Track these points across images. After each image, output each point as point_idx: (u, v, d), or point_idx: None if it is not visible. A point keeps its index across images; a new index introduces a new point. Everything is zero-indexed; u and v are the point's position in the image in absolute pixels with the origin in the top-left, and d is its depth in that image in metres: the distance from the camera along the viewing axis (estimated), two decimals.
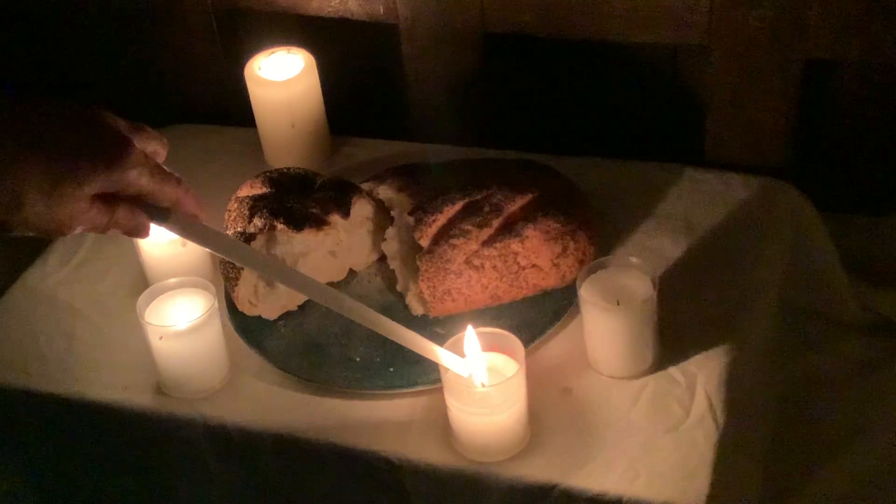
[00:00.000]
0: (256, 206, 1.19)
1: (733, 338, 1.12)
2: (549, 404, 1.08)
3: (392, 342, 1.15)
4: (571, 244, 1.18)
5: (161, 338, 1.10)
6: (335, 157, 1.43)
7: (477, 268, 1.15)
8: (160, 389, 1.15)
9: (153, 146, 0.91)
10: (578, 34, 1.35)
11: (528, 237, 1.16)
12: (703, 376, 1.08)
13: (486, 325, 1.06)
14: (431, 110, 1.47)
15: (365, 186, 1.25)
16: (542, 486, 1.01)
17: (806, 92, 1.31)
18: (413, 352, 1.13)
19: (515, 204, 1.18)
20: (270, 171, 1.25)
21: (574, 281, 1.12)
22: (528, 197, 1.19)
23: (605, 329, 1.08)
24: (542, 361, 1.12)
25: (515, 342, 1.03)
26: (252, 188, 1.23)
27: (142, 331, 1.12)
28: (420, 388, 1.10)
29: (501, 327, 1.05)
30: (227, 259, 1.14)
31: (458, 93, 1.44)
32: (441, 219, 1.17)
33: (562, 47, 1.42)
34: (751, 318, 1.15)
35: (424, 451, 1.05)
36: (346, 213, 1.20)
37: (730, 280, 1.18)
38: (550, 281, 1.18)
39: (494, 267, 1.16)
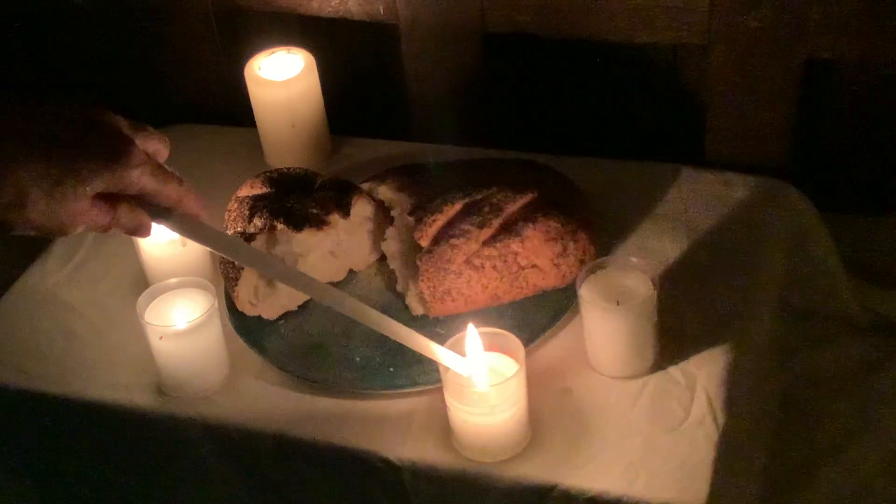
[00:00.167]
0: (256, 206, 1.19)
1: (733, 338, 1.12)
2: (549, 404, 1.08)
3: (392, 342, 1.15)
4: (571, 244, 1.18)
5: (161, 338, 1.10)
6: (335, 157, 1.43)
7: (477, 268, 1.15)
8: (160, 389, 1.15)
9: (155, 146, 0.92)
10: (578, 34, 1.35)
11: (528, 237, 1.16)
12: (703, 376, 1.08)
13: (486, 325, 1.06)
14: (431, 110, 1.47)
15: (365, 186, 1.25)
16: (542, 486, 1.01)
17: (806, 92, 1.31)
18: (413, 352, 1.13)
19: (515, 204, 1.18)
20: (270, 171, 1.25)
21: (574, 281, 1.12)
22: (528, 197, 1.19)
23: (605, 329, 1.08)
24: (542, 361, 1.12)
25: (515, 342, 1.03)
26: (252, 188, 1.23)
27: (142, 331, 1.12)
28: (420, 388, 1.10)
29: (501, 327, 1.05)
30: (228, 258, 1.14)
31: (458, 93, 1.44)
32: (441, 219, 1.17)
33: (562, 47, 1.41)
34: (751, 318, 1.15)
35: (424, 451, 1.05)
36: (346, 213, 1.20)
37: (730, 280, 1.18)
38: (550, 281, 1.18)
39: (494, 267, 1.16)
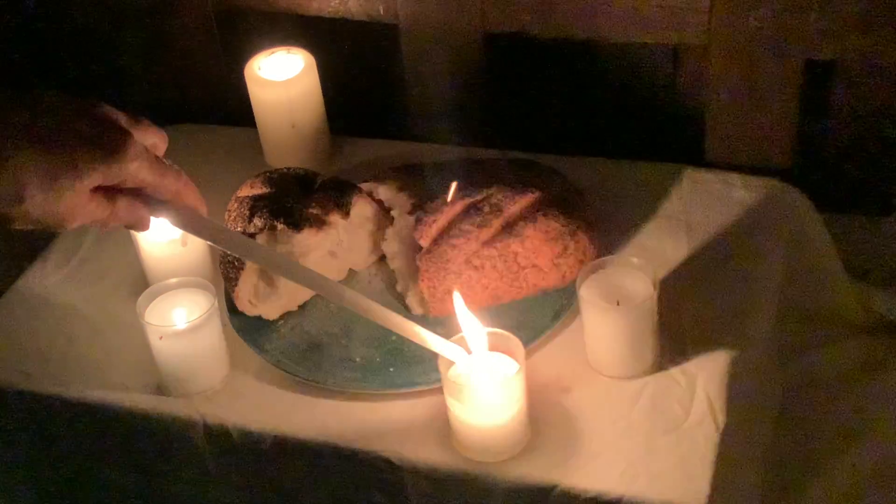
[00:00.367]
0: (256, 206, 1.19)
1: (733, 338, 1.12)
2: (549, 404, 1.08)
3: (392, 342, 1.15)
4: (571, 244, 1.18)
5: (161, 338, 1.10)
6: (335, 157, 1.43)
7: (477, 268, 1.15)
8: (160, 389, 1.15)
9: (152, 139, 0.92)
10: (578, 34, 1.35)
11: (528, 237, 1.16)
12: (703, 376, 1.08)
13: (486, 325, 1.06)
14: (431, 110, 1.47)
15: (365, 186, 1.25)
16: (542, 486, 1.01)
17: (806, 92, 1.30)
18: (413, 352, 1.13)
19: (515, 204, 1.18)
20: (270, 171, 1.25)
21: (574, 281, 1.12)
22: (528, 197, 1.19)
23: (605, 329, 1.08)
24: (542, 361, 1.12)
25: (515, 342, 1.03)
26: (252, 188, 1.23)
27: (142, 331, 1.12)
28: (420, 388, 1.10)
29: (501, 327, 1.05)
30: (227, 251, 1.14)
31: (458, 93, 1.44)
32: (441, 219, 1.17)
33: (562, 47, 1.41)
34: (751, 318, 1.15)
35: (424, 451, 1.05)
36: (346, 213, 1.20)
37: (730, 280, 1.18)
38: (550, 281, 1.18)
39: (494, 267, 1.16)
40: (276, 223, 1.17)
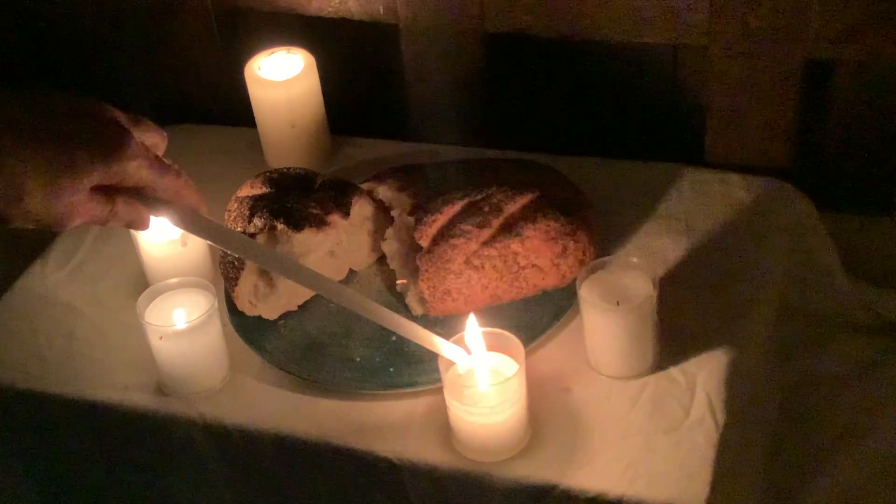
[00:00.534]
0: (256, 206, 1.19)
1: (733, 338, 1.12)
2: (549, 404, 1.08)
3: (392, 342, 1.15)
4: (571, 244, 1.18)
5: (161, 338, 1.10)
6: (335, 157, 1.43)
7: (477, 268, 1.15)
8: (160, 389, 1.15)
9: (152, 138, 0.92)
10: (578, 34, 1.35)
11: (528, 237, 1.16)
12: (703, 376, 1.08)
13: (486, 325, 1.06)
14: (431, 110, 1.47)
15: (365, 186, 1.25)
16: (542, 486, 1.01)
17: (806, 92, 1.30)
18: (413, 352, 1.13)
19: (515, 204, 1.18)
20: (270, 171, 1.25)
21: (574, 281, 1.12)
22: (528, 197, 1.19)
23: (605, 329, 1.08)
24: (542, 361, 1.12)
25: (515, 342, 1.03)
26: (252, 188, 1.23)
27: (142, 331, 1.12)
28: (420, 388, 1.10)
29: (501, 327, 1.05)
30: (227, 251, 1.14)
31: (458, 93, 1.44)
32: (441, 219, 1.17)
33: (562, 47, 1.41)
34: (751, 319, 1.15)
35: (424, 451, 1.05)
36: (346, 213, 1.20)
37: (730, 280, 1.18)
38: (550, 281, 1.18)
39: (494, 267, 1.16)
40: (276, 223, 1.17)
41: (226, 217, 1.22)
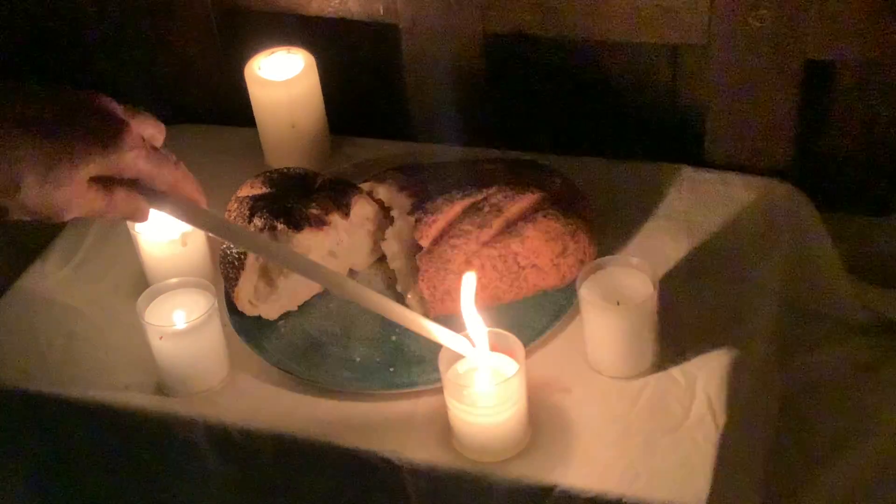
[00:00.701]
0: (256, 206, 1.19)
1: (733, 338, 1.12)
2: (549, 404, 1.08)
3: (392, 342, 1.15)
4: (571, 244, 1.18)
5: (161, 338, 1.10)
6: (335, 157, 1.43)
7: (477, 268, 1.15)
8: (160, 389, 1.15)
9: (150, 130, 0.92)
10: (579, 34, 1.35)
11: (528, 237, 1.16)
12: (703, 376, 1.08)
13: (486, 325, 1.06)
14: (431, 110, 1.47)
15: (365, 186, 1.25)
16: (542, 486, 1.01)
17: (806, 92, 1.30)
18: (413, 352, 1.14)
19: (515, 204, 1.18)
20: (270, 171, 1.25)
21: (574, 281, 1.12)
22: (529, 197, 1.19)
23: (605, 329, 1.08)
24: (542, 361, 1.12)
25: (515, 342, 1.03)
26: (252, 188, 1.23)
27: (142, 331, 1.12)
28: (420, 388, 1.10)
29: (501, 327, 1.05)
30: (226, 241, 1.14)
31: (458, 93, 1.44)
32: (441, 219, 1.17)
33: (562, 47, 1.41)
34: (751, 319, 1.15)
35: (424, 451, 1.05)
36: (346, 213, 1.20)
37: (730, 280, 1.18)
38: (550, 281, 1.18)
39: (494, 267, 1.16)
40: (276, 223, 1.17)
41: (226, 217, 1.21)
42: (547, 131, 1.51)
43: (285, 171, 1.26)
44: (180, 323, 1.11)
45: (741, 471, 1.11)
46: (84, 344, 1.21)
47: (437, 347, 1.04)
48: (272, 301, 1.19)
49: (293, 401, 1.12)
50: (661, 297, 1.07)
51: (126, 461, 1.20)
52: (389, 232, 1.22)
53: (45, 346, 1.22)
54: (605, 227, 1.24)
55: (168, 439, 1.14)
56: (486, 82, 1.44)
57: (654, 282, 1.07)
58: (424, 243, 1.16)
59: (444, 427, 1.06)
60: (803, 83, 1.29)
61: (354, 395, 1.11)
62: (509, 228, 1.16)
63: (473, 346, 1.03)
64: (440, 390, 1.04)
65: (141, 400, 1.14)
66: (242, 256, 1.16)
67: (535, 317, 1.16)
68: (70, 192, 0.84)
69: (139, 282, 1.24)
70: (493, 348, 1.04)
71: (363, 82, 1.56)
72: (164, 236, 1.21)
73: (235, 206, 1.21)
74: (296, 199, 1.20)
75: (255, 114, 1.40)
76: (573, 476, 1.01)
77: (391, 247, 1.22)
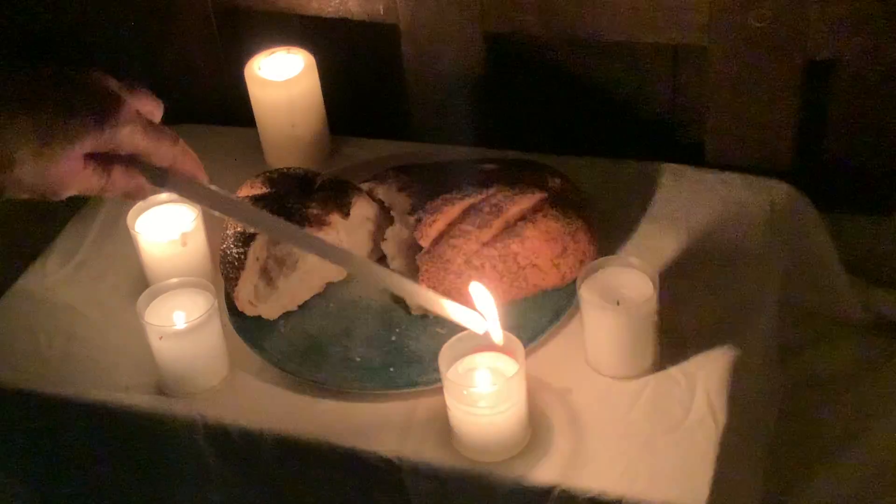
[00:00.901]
0: (256, 206, 1.19)
1: (733, 338, 1.12)
2: (549, 404, 1.08)
3: (392, 342, 1.15)
4: (571, 244, 1.18)
5: (161, 338, 1.10)
6: (335, 157, 1.43)
7: (477, 268, 1.15)
8: (160, 389, 1.15)
9: (148, 106, 0.90)
10: (578, 34, 1.35)
11: (528, 237, 1.16)
12: (703, 376, 1.08)
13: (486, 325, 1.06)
14: (431, 110, 1.47)
15: (365, 186, 1.25)
16: (542, 486, 1.01)
17: (806, 92, 1.30)
18: (413, 352, 1.14)
19: (515, 204, 1.18)
20: (270, 171, 1.25)
21: (574, 281, 1.12)
22: (528, 197, 1.19)
23: (605, 329, 1.08)
24: (542, 361, 1.12)
25: (515, 342, 1.03)
26: (252, 188, 1.23)
27: (142, 331, 1.12)
28: (420, 388, 1.10)
29: (501, 327, 1.05)
30: (228, 218, 1.13)
31: (458, 93, 1.44)
32: (441, 219, 1.17)
33: (562, 47, 1.41)
34: (751, 318, 1.15)
35: (424, 451, 1.05)
36: (346, 213, 1.20)
37: (730, 280, 1.18)
38: (550, 281, 1.18)
39: (494, 267, 1.16)
40: None
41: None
42: (547, 131, 1.51)
43: (285, 171, 1.26)
44: (180, 323, 1.11)
45: (741, 471, 1.11)
46: (84, 344, 1.21)
47: (437, 347, 1.04)
48: (272, 301, 1.19)
49: (293, 401, 1.12)
50: (661, 297, 1.07)
51: (126, 461, 1.20)
52: (389, 232, 1.22)
53: (45, 346, 1.22)
54: (605, 227, 1.24)
55: (168, 439, 1.14)
56: (486, 82, 1.44)
57: (654, 282, 1.07)
58: (424, 243, 1.16)
59: (444, 427, 1.06)
60: (803, 83, 1.29)
61: (354, 395, 1.11)
62: (509, 228, 1.16)
63: (486, 320, 1.01)
64: (440, 390, 1.04)
65: (141, 400, 1.14)
66: (242, 256, 1.16)
67: (535, 317, 1.16)
68: (65, 167, 0.84)
69: (139, 282, 1.24)
70: (494, 348, 1.04)
71: (363, 82, 1.56)
72: (164, 236, 1.21)
73: None
74: (296, 199, 1.20)
75: (255, 114, 1.40)
76: (573, 476, 1.01)
77: (391, 247, 1.22)
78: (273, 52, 1.39)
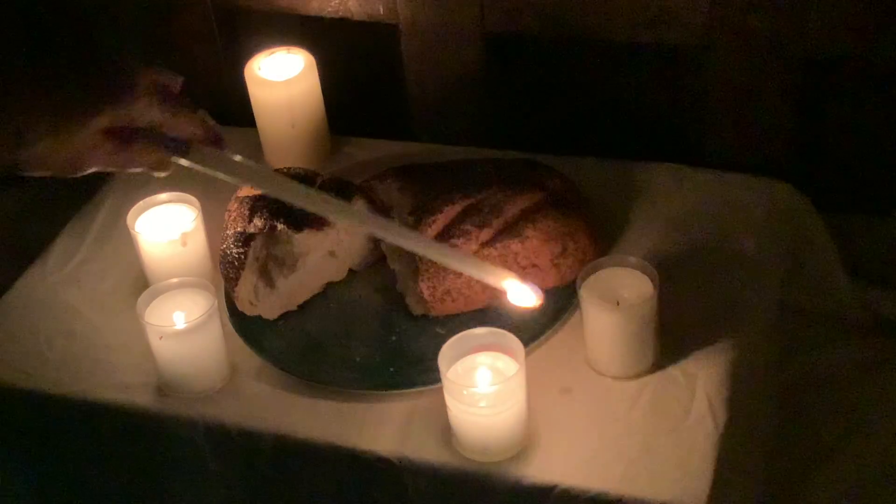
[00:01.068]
0: (256, 206, 1.19)
1: (733, 338, 1.12)
2: (548, 404, 1.08)
3: (392, 342, 1.15)
4: (571, 244, 1.18)
5: (161, 338, 1.10)
6: (335, 157, 1.43)
7: None
8: (160, 389, 1.15)
9: (165, 79, 0.91)
10: (578, 34, 1.35)
11: (528, 237, 1.16)
12: (703, 376, 1.08)
13: (486, 325, 1.06)
14: (431, 110, 1.47)
15: (365, 186, 1.25)
16: (543, 486, 1.01)
17: (806, 92, 1.30)
18: (413, 352, 1.14)
19: (515, 204, 1.18)
20: None
21: (574, 281, 1.12)
22: (528, 197, 1.19)
23: (605, 329, 1.08)
24: (542, 361, 1.12)
25: (515, 342, 1.03)
26: (252, 188, 1.23)
27: (142, 331, 1.12)
28: (420, 388, 1.10)
29: (501, 327, 1.05)
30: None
31: (458, 93, 1.44)
32: (441, 219, 1.17)
33: (562, 47, 1.41)
34: (751, 319, 1.15)
35: (424, 451, 1.05)
36: None
37: (730, 280, 1.18)
38: (550, 281, 1.18)
39: None
40: (276, 223, 1.17)
41: (226, 217, 1.22)
42: (547, 131, 1.51)
43: (285, 171, 1.25)
44: (180, 323, 1.11)
45: (741, 471, 1.11)
46: (84, 344, 1.21)
47: (437, 347, 1.04)
48: (272, 301, 1.19)
49: (293, 401, 1.12)
50: (661, 297, 1.07)
51: (126, 461, 1.20)
52: None
53: (45, 346, 1.22)
54: (605, 227, 1.24)
55: (168, 439, 1.14)
56: (486, 82, 1.44)
57: (654, 282, 1.07)
58: None
59: (444, 427, 1.06)
60: (803, 83, 1.29)
61: (354, 395, 1.11)
62: (509, 228, 1.16)
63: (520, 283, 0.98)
64: (440, 390, 1.04)
65: (141, 400, 1.14)
66: (242, 256, 1.16)
67: (535, 317, 1.16)
68: (84, 144, 0.84)
69: (139, 282, 1.24)
70: (493, 348, 1.04)
71: (363, 82, 1.56)
72: (164, 236, 1.21)
73: (235, 206, 1.21)
74: None
75: (255, 114, 1.40)
76: (573, 476, 1.01)
77: (391, 247, 1.22)
78: (273, 52, 1.39)
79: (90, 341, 1.22)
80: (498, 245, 1.16)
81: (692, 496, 0.98)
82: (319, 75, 1.38)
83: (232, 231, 1.19)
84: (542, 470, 1.02)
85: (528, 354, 1.05)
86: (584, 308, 1.08)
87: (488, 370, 1.03)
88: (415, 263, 1.16)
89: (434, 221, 1.17)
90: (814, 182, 1.32)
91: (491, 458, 1.03)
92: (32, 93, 0.83)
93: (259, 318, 1.19)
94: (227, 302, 1.20)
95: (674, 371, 1.09)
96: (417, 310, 1.18)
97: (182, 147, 0.90)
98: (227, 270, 1.18)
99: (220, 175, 0.94)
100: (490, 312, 1.17)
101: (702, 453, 1.01)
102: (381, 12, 1.42)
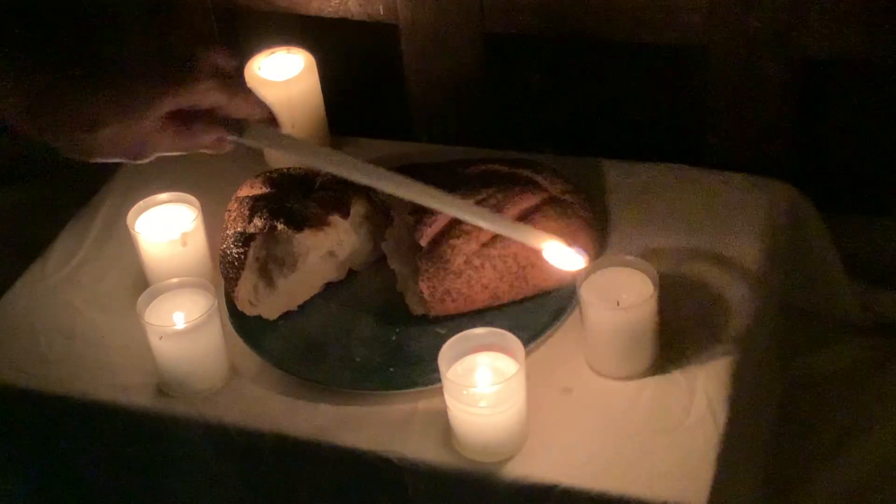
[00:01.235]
0: (256, 206, 1.19)
1: (733, 338, 1.12)
2: (548, 404, 1.08)
3: (392, 342, 1.15)
4: (571, 244, 1.17)
5: (161, 338, 1.10)
6: None
7: (477, 268, 1.15)
8: (160, 389, 1.15)
9: (221, 60, 0.93)
10: (578, 34, 1.35)
11: None
12: (703, 376, 1.08)
13: (486, 325, 1.06)
14: (431, 110, 1.47)
15: (365, 186, 1.24)
16: (543, 486, 1.01)
17: (806, 92, 1.30)
18: (413, 352, 1.14)
19: (515, 204, 1.18)
20: (270, 171, 1.25)
21: (574, 281, 1.12)
22: (529, 197, 1.19)
23: (605, 329, 1.08)
24: (541, 361, 1.12)
25: (515, 342, 1.03)
26: (252, 188, 1.23)
27: (142, 331, 1.12)
28: (420, 388, 1.10)
29: (501, 327, 1.05)
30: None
31: (458, 93, 1.44)
32: (441, 219, 1.17)
33: (562, 47, 1.42)
34: (751, 318, 1.15)
35: (424, 451, 1.05)
36: (346, 213, 1.20)
37: (730, 280, 1.18)
38: (550, 281, 1.18)
39: (494, 267, 1.16)
40: (276, 223, 1.17)
41: (226, 217, 1.22)
42: (547, 131, 1.51)
43: (285, 171, 1.26)
44: (180, 323, 1.11)
45: (741, 471, 1.11)
46: (84, 344, 1.21)
47: (437, 347, 1.03)
48: (272, 301, 1.19)
49: (293, 401, 1.12)
50: (661, 297, 1.07)
51: (126, 461, 1.20)
52: (389, 232, 1.22)
53: (45, 346, 1.22)
54: (605, 227, 1.24)
55: (168, 439, 1.14)
56: (486, 82, 1.44)
57: (654, 282, 1.07)
58: (424, 243, 1.16)
59: (444, 427, 1.06)
60: (803, 83, 1.29)
61: (354, 395, 1.11)
62: None
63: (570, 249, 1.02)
64: (440, 390, 1.04)
65: (141, 400, 1.14)
66: (242, 256, 1.16)
67: (535, 317, 1.16)
68: (148, 129, 0.87)
69: (139, 282, 1.24)
70: (493, 348, 1.04)
71: (363, 82, 1.56)
72: (164, 236, 1.21)
73: (235, 206, 1.21)
74: (296, 199, 1.20)
75: None
76: (573, 476, 1.01)
77: (391, 247, 1.22)
78: (273, 52, 1.39)
79: (90, 341, 1.22)
80: (498, 245, 1.16)
81: (692, 496, 0.98)
82: (319, 75, 1.38)
83: (232, 231, 1.19)
84: (542, 470, 1.02)
85: (528, 354, 1.05)
86: (584, 308, 1.08)
87: (488, 370, 1.03)
88: (415, 263, 1.16)
89: (434, 221, 1.17)
90: (814, 182, 1.32)
91: (491, 458, 1.03)
92: (101, 81, 0.85)
93: (259, 318, 1.19)
94: (227, 302, 1.20)
95: (673, 371, 1.09)
96: (417, 310, 1.18)
97: (239, 126, 0.94)
98: (227, 270, 1.18)
99: (279, 151, 0.99)
100: (490, 312, 1.17)
101: (702, 453, 1.01)
102: (381, 12, 1.42)
